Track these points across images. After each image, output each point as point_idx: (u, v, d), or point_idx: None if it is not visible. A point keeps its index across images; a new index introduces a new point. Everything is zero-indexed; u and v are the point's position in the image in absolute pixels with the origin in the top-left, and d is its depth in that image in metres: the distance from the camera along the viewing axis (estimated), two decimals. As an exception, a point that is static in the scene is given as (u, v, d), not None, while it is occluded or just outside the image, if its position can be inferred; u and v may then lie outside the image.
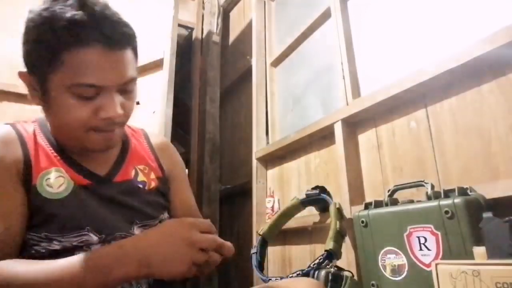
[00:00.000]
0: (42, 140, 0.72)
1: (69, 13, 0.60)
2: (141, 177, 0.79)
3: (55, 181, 0.68)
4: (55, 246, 0.64)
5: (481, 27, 0.96)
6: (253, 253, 1.31)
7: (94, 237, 0.67)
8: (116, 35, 0.63)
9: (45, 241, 0.64)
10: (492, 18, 0.94)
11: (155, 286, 0.69)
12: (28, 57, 0.65)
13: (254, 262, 1.29)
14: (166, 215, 0.80)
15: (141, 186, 0.77)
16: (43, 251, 0.64)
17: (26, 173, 0.66)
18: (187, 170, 2.72)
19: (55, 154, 0.71)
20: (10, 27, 1.79)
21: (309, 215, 1.43)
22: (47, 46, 0.61)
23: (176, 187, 0.86)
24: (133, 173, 0.78)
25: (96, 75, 0.62)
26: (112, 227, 0.68)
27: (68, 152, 0.72)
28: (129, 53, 0.67)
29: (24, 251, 0.64)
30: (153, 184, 0.79)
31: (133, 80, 0.69)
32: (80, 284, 0.54)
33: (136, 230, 0.71)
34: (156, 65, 1.94)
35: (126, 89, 0.68)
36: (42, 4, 0.62)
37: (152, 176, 0.81)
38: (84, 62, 0.61)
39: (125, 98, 0.69)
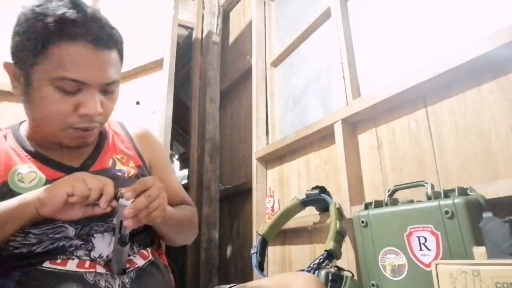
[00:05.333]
0: (13, 143, 0.73)
1: (61, 10, 0.63)
2: (119, 166, 0.78)
3: (27, 176, 0.69)
4: (32, 239, 0.64)
5: (481, 27, 0.96)
6: (253, 253, 1.31)
7: (70, 228, 0.67)
8: (104, 35, 0.66)
9: (21, 235, 0.64)
10: (492, 18, 0.94)
11: (137, 279, 0.70)
12: (16, 49, 0.67)
13: (254, 262, 1.29)
14: None
15: (119, 174, 0.77)
16: (21, 246, 0.64)
17: None
18: (187, 170, 2.72)
19: (26, 153, 0.72)
20: (10, 27, 1.78)
21: (309, 215, 1.43)
22: (36, 38, 0.63)
23: (159, 173, 0.85)
24: (110, 162, 0.78)
25: (80, 70, 0.64)
26: (89, 218, 0.67)
27: (39, 150, 0.73)
28: (114, 55, 0.69)
29: (3, 249, 0.64)
30: (132, 172, 0.79)
31: (115, 82, 0.70)
32: None
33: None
34: (156, 65, 1.94)
35: (108, 89, 0.69)
36: (36, 2, 0.66)
37: (131, 164, 0.80)
38: (70, 56, 0.63)
39: (106, 98, 0.70)
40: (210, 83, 2.73)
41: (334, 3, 1.49)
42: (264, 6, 2.21)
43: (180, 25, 2.71)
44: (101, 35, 0.66)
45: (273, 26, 2.14)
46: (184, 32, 3.09)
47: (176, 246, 0.86)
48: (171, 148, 3.11)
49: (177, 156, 4.69)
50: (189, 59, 3.08)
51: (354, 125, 1.36)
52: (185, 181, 2.92)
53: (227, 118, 2.72)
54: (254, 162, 1.91)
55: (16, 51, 0.67)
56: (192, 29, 2.98)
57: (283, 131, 1.86)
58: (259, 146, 1.92)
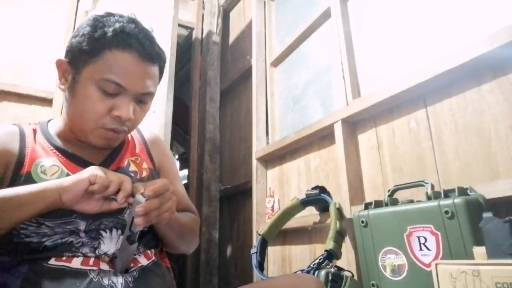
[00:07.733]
0: (40, 137, 0.78)
1: (121, 23, 0.72)
2: (132, 167, 0.83)
3: (50, 169, 0.72)
4: (44, 229, 0.67)
5: (481, 27, 0.96)
6: (253, 253, 1.31)
7: (81, 222, 0.69)
8: (152, 51, 0.74)
9: (34, 225, 0.66)
10: (492, 18, 0.94)
11: (140, 278, 0.71)
12: (73, 48, 0.73)
13: (254, 262, 1.29)
14: None
15: (132, 175, 0.81)
16: (33, 235, 0.66)
17: (17, 166, 0.71)
18: (187, 170, 2.72)
19: (51, 148, 0.77)
20: (10, 27, 1.79)
21: (309, 215, 1.43)
22: (94, 42, 0.70)
23: (167, 178, 0.88)
24: (126, 163, 0.83)
25: (124, 76, 0.71)
26: (100, 214, 0.68)
27: (64, 146, 0.78)
28: (155, 70, 0.77)
29: (14, 236, 0.66)
30: (144, 173, 0.83)
31: (151, 94, 0.77)
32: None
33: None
34: (156, 65, 1.94)
35: (142, 99, 0.76)
36: (100, 13, 0.75)
37: (144, 166, 0.85)
38: (119, 63, 0.70)
39: (138, 107, 0.76)
40: (210, 83, 2.73)
41: (334, 3, 1.49)
42: (264, 6, 2.21)
43: (180, 25, 2.71)
44: (149, 50, 0.73)
45: (273, 26, 2.14)
46: (184, 32, 3.09)
47: (176, 253, 0.88)
48: (171, 148, 3.11)
49: (177, 156, 4.69)
50: (189, 59, 3.08)
51: (354, 125, 1.36)
52: (185, 181, 2.91)
53: (227, 118, 2.72)
54: (254, 162, 1.91)
55: (73, 50, 0.73)
56: (192, 29, 2.98)
57: (283, 131, 1.86)
58: (259, 146, 1.92)
